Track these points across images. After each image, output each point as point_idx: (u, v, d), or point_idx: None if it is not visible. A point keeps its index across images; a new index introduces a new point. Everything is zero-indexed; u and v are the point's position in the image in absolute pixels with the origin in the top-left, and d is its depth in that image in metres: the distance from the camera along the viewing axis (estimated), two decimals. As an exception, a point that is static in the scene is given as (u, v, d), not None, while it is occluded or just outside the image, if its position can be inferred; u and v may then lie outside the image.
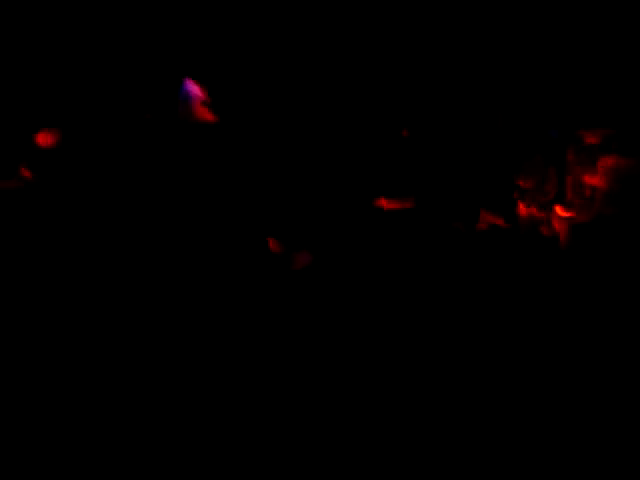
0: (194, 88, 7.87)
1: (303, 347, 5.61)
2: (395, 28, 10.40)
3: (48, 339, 5.94)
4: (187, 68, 8.58)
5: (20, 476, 4.53)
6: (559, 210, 8.51)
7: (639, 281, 6.76)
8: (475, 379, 4.98)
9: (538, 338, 5.31)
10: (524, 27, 10.33)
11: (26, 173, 8.88)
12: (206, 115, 7.86)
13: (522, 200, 8.65)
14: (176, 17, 10.54)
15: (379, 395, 4.80)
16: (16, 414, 4.85)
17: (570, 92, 8.62)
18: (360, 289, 7.09)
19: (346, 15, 10.77)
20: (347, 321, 6.19)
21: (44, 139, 9.00)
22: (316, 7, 10.38)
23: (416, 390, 4.88)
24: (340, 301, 6.72)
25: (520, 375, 5.01)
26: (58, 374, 5.30)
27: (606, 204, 8.49)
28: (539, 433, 4.70)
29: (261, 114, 10.20)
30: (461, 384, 4.94)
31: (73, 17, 10.47)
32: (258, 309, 6.51)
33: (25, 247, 7.95)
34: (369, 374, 5.12)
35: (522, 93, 8.69)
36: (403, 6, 10.28)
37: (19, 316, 6.49)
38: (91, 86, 10.40)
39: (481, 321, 5.88)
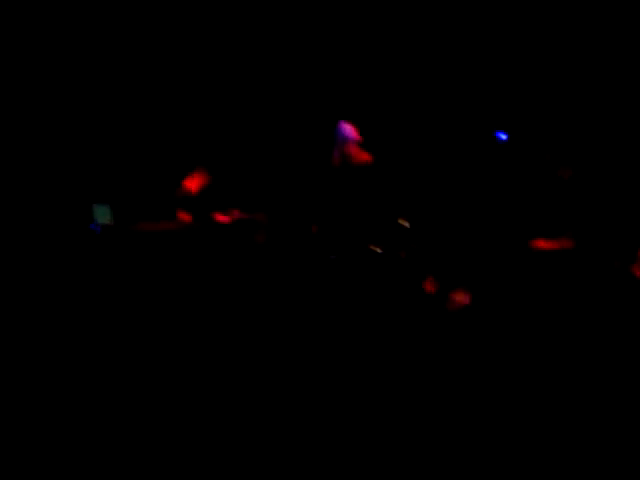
0: (349, 130, 7.96)
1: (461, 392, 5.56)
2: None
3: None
4: (339, 111, 8.71)
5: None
6: None
7: None
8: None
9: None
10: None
11: (184, 216, 9.10)
12: (362, 155, 7.94)
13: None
14: (324, 60, 10.74)
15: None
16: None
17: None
18: (515, 330, 6.99)
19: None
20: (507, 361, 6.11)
21: (193, 184, 9.22)
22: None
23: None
24: (498, 341, 6.64)
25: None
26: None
27: None
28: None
29: (408, 152, 10.28)
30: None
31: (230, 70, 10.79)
32: (410, 349, 6.50)
33: (187, 286, 8.19)
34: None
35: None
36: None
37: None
38: (237, 130, 10.68)
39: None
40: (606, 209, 8.86)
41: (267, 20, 10.61)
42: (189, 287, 8.43)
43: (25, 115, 10.07)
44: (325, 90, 10.51)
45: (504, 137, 9.95)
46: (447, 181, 10.07)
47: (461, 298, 7.97)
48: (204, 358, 6.14)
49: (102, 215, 8.91)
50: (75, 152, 10.14)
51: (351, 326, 7.25)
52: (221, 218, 9.26)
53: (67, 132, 10.17)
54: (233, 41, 10.67)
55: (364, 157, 7.94)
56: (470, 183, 9.67)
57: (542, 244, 8.69)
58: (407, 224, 9.41)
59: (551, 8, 10.21)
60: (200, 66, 10.68)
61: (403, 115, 10.53)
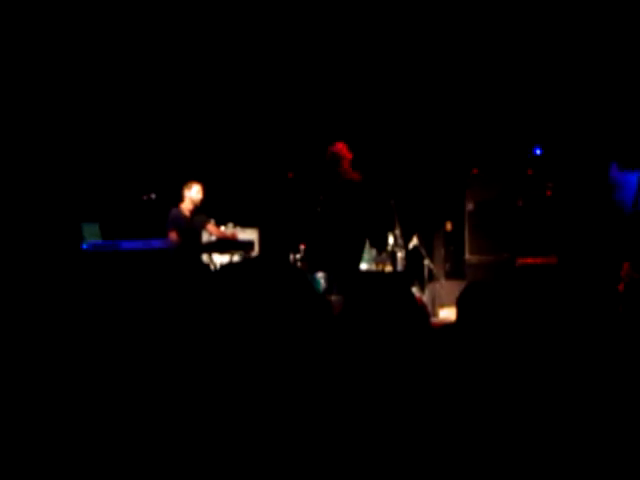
0: (343, 149, 8.04)
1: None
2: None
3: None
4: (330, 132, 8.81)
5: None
6: None
7: None
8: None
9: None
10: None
11: (173, 235, 9.15)
12: (353, 174, 8.03)
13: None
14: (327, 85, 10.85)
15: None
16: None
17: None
18: (502, 345, 7.06)
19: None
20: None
21: (185, 205, 9.24)
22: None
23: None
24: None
25: None
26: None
27: None
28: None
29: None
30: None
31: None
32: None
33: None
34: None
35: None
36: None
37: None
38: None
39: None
40: (589, 226, 8.96)
41: (259, 45, 10.74)
42: (179, 303, 8.46)
43: (13, 135, 10.14)
44: (316, 109, 10.64)
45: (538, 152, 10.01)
46: (433, 199, 10.19)
47: (447, 314, 8.07)
48: (192, 380, 6.18)
49: (91, 233, 8.96)
50: (64, 171, 10.21)
51: (339, 341, 7.30)
52: (213, 230, 9.30)
53: (57, 151, 10.24)
54: (221, 65, 10.78)
55: (356, 175, 8.03)
56: (455, 201, 9.79)
57: (528, 260, 8.79)
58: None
59: (527, 39, 10.38)
60: (189, 91, 10.79)
61: (393, 137, 10.67)
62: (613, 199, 8.59)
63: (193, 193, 9.14)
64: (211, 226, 9.35)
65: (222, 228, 9.79)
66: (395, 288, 7.98)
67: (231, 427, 4.81)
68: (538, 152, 9.89)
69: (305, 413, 5.01)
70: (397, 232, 9.33)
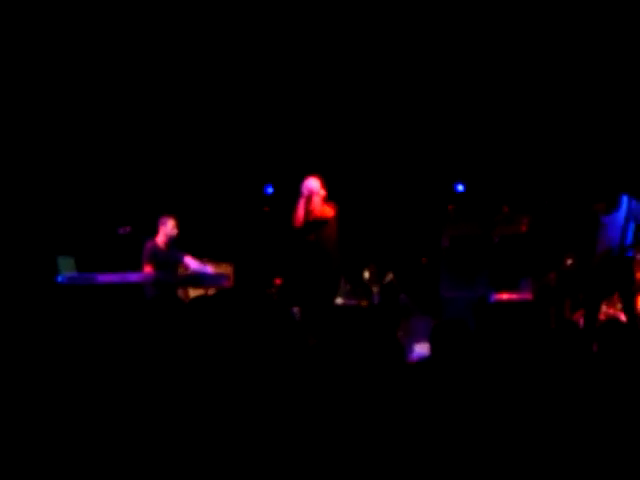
0: (314, 184, 8.07)
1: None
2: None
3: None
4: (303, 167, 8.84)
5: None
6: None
7: None
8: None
9: None
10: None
11: (148, 268, 9.15)
12: (325, 209, 8.05)
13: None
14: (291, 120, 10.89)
15: None
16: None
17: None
18: (476, 379, 7.07)
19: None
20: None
21: (160, 238, 9.24)
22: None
23: None
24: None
25: None
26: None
27: None
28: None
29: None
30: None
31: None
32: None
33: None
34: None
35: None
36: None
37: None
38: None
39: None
40: (561, 259, 9.01)
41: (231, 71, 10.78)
42: (154, 335, 8.43)
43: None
44: (292, 144, 10.66)
45: (461, 188, 10.11)
46: (408, 234, 10.23)
47: (422, 349, 8.06)
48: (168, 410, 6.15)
49: (66, 266, 8.92)
50: (39, 204, 10.19)
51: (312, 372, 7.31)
52: (190, 263, 9.27)
53: (32, 183, 10.22)
54: (192, 97, 10.81)
55: (328, 211, 8.05)
56: (430, 236, 9.83)
57: (503, 296, 8.84)
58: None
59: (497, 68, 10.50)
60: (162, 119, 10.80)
61: (366, 169, 10.71)
62: (601, 238, 8.61)
63: (168, 228, 9.12)
64: (189, 258, 9.32)
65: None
66: (373, 323, 7.99)
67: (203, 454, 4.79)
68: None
69: (278, 443, 5.00)
70: (372, 267, 9.35)
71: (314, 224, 8.00)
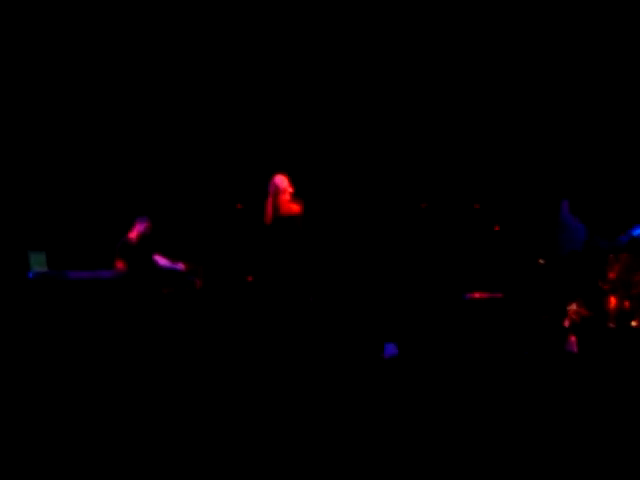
0: (282, 181, 8.12)
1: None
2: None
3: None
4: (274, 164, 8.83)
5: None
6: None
7: None
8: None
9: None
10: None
11: (120, 264, 9.14)
12: (293, 206, 8.09)
13: (612, 293, 8.55)
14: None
15: None
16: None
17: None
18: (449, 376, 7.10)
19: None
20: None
21: (133, 233, 9.27)
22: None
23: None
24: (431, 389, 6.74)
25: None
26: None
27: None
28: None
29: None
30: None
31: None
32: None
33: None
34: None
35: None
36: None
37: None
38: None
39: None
40: (535, 261, 9.02)
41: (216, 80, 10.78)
42: (125, 331, 8.44)
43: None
44: (260, 143, 10.64)
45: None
46: (381, 233, 10.21)
47: (391, 349, 8.07)
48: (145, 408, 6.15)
49: (37, 262, 8.89)
50: (11, 199, 10.16)
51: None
52: (160, 260, 9.30)
53: (4, 180, 10.20)
54: (170, 97, 10.79)
55: (295, 207, 8.08)
56: (402, 236, 9.82)
57: (475, 295, 8.85)
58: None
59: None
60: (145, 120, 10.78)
61: (335, 167, 10.69)
62: (560, 237, 8.66)
63: (143, 229, 9.23)
64: (159, 256, 9.35)
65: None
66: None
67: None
68: None
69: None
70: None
71: (282, 220, 8.04)
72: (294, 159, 9.96)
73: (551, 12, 10.23)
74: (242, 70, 10.76)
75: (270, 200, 8.07)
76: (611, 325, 8.43)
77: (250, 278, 9.13)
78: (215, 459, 4.68)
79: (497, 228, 9.26)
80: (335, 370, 7.44)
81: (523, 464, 4.51)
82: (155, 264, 9.26)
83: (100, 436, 5.14)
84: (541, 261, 8.77)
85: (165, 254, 9.40)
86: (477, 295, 8.93)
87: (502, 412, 5.72)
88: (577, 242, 8.42)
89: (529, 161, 10.17)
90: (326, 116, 10.74)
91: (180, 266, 9.38)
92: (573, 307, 8.51)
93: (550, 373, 7.18)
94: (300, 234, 8.02)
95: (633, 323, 8.41)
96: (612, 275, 8.59)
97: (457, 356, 7.84)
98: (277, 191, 8.05)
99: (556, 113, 10.25)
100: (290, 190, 8.06)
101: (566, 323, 8.39)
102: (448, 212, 9.68)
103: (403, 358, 7.97)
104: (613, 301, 8.56)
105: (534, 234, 9.18)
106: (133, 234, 9.18)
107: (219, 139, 10.79)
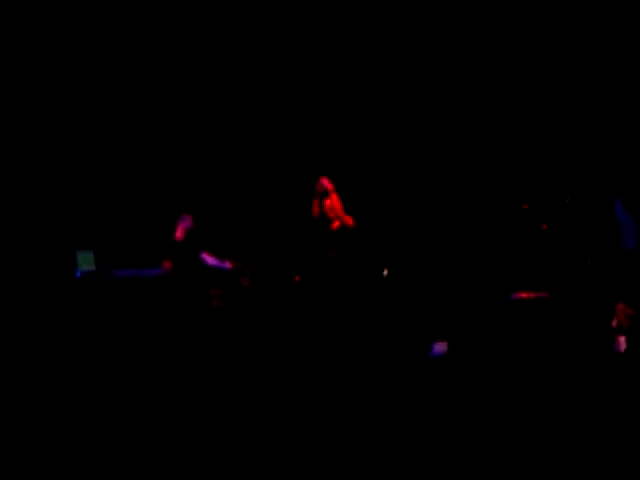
0: (327, 183, 8.38)
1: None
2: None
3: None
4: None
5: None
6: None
7: None
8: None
9: None
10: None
11: (167, 263, 9.20)
12: (338, 207, 8.31)
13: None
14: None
15: None
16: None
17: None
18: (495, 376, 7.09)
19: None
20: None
21: (179, 232, 9.34)
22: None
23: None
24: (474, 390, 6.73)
25: None
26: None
27: None
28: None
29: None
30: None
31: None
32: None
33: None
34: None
35: None
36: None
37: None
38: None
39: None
40: (583, 260, 8.99)
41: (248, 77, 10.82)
42: (172, 331, 8.50)
43: (6, 160, 10.20)
44: (306, 145, 10.67)
45: None
46: (428, 232, 10.20)
47: (441, 347, 8.08)
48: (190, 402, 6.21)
49: (85, 261, 8.95)
50: (60, 199, 10.23)
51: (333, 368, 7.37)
52: (208, 259, 9.38)
53: (52, 179, 10.27)
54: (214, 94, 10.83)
55: (347, 218, 8.35)
56: (451, 236, 9.80)
57: (522, 295, 8.81)
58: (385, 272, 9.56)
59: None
60: (186, 116, 10.81)
61: (383, 167, 10.70)
62: (619, 236, 8.64)
63: (187, 225, 9.29)
64: (206, 255, 9.40)
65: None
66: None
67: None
68: None
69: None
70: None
71: (327, 221, 8.29)
72: (338, 160, 10.04)
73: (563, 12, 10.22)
74: (287, 74, 10.82)
75: (316, 201, 8.35)
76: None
77: (297, 278, 9.16)
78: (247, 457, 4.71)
79: (545, 227, 9.22)
80: (378, 369, 7.46)
81: (573, 464, 4.51)
82: (202, 262, 9.32)
83: (145, 432, 5.19)
84: (589, 261, 8.75)
85: (213, 253, 9.46)
86: (524, 295, 8.91)
87: (549, 412, 5.72)
88: (634, 240, 8.40)
89: (577, 161, 10.12)
90: (370, 117, 10.76)
91: (227, 265, 9.43)
92: (621, 307, 8.47)
93: (598, 373, 7.15)
94: (347, 236, 8.26)
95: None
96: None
97: (503, 356, 7.84)
98: (322, 192, 8.32)
99: (605, 113, 10.19)
100: (334, 194, 8.36)
101: (614, 323, 8.35)
102: (495, 211, 9.65)
103: (449, 357, 7.97)
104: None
105: (582, 233, 9.14)
106: (179, 233, 9.27)
107: (262, 140, 10.84)
